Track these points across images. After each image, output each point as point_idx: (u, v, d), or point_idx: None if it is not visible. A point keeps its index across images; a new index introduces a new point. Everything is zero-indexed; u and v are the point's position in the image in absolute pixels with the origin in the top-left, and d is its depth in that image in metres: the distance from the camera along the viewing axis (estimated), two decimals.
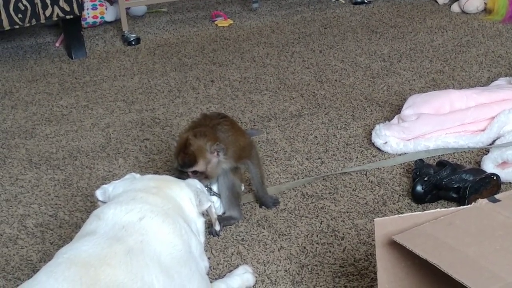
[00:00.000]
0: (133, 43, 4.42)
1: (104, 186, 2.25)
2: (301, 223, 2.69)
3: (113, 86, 3.89)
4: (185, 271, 2.04)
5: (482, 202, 1.88)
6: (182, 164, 2.58)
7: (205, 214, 2.26)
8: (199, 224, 2.21)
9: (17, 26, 4.05)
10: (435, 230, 1.79)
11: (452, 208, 1.90)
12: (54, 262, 1.94)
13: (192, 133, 2.60)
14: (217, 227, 2.41)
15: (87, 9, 4.63)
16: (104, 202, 2.19)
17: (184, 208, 2.17)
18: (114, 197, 2.17)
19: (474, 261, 1.69)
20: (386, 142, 3.09)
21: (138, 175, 2.30)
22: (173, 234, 2.06)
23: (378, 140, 3.11)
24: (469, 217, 1.84)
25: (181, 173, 2.59)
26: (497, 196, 1.91)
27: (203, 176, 2.59)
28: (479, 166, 2.88)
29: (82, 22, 4.48)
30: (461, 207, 1.90)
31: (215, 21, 4.68)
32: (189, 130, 2.64)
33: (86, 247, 1.97)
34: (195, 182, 2.31)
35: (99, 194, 2.24)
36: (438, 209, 1.89)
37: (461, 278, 1.62)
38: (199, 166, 2.58)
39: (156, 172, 3.06)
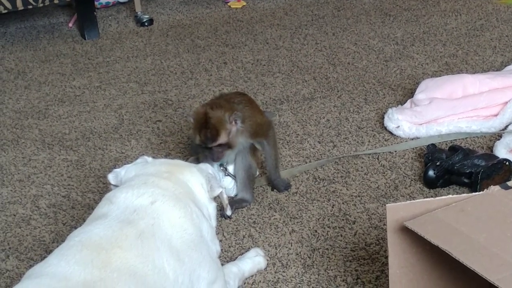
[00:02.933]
0: (146, 24, 4.42)
1: (116, 170, 2.26)
2: (313, 206, 2.70)
3: (126, 67, 3.89)
4: (196, 255, 2.05)
5: (494, 189, 1.88)
6: (205, 140, 2.59)
7: (217, 198, 2.26)
8: (211, 209, 2.22)
9: (30, 6, 4.06)
10: (446, 217, 1.79)
11: (464, 194, 1.90)
12: (65, 245, 1.95)
13: (209, 107, 2.60)
14: (228, 212, 2.42)
15: None
16: (116, 186, 2.20)
17: (195, 193, 2.18)
18: (126, 180, 2.18)
19: (485, 248, 1.70)
20: (398, 126, 3.09)
21: (150, 159, 2.30)
22: (184, 218, 2.07)
23: (390, 124, 3.11)
24: (481, 204, 1.84)
25: (204, 149, 2.61)
26: (509, 183, 1.90)
27: (226, 148, 2.61)
28: (492, 151, 2.88)
29: (95, 3, 4.47)
30: (473, 193, 1.90)
31: (228, 2, 4.67)
32: (205, 105, 2.65)
33: (98, 230, 1.98)
34: (206, 167, 2.31)
35: (111, 178, 2.25)
36: (450, 195, 1.89)
37: (472, 265, 1.63)
38: (222, 138, 2.59)
39: (168, 154, 3.07)
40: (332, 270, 2.40)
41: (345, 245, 2.50)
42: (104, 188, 2.81)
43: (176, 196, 2.10)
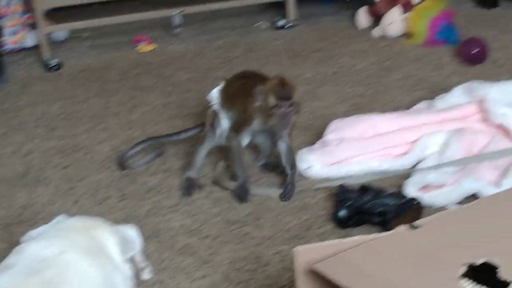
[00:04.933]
0: (54, 68, 4.35)
1: (31, 231, 2.24)
2: (225, 250, 2.67)
3: (34, 112, 3.82)
4: None
5: (403, 228, 1.88)
6: (283, 96, 2.83)
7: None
8: (124, 269, 2.19)
9: None
10: (356, 257, 1.78)
11: (373, 234, 1.89)
12: None
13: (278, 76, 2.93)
14: (145, 276, 2.40)
15: (7, 34, 4.55)
16: None
17: (107, 249, 2.15)
18: (39, 235, 2.16)
19: (397, 286, 1.69)
20: (309, 167, 3.09)
21: (67, 217, 2.29)
22: (94, 267, 2.03)
23: (302, 165, 3.10)
24: (390, 243, 1.83)
25: (277, 109, 2.84)
26: (417, 223, 1.91)
27: (295, 110, 2.89)
28: (401, 190, 2.89)
29: (2, 48, 4.40)
30: (382, 233, 1.90)
31: (138, 45, 4.63)
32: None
33: (2, 280, 1.93)
34: (124, 229, 2.29)
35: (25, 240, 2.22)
36: (360, 236, 1.88)
37: None
38: (295, 97, 2.86)
39: (76, 201, 3.01)
40: None
41: None
42: (11, 236, 2.73)
43: (86, 248, 2.06)
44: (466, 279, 1.70)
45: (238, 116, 3.02)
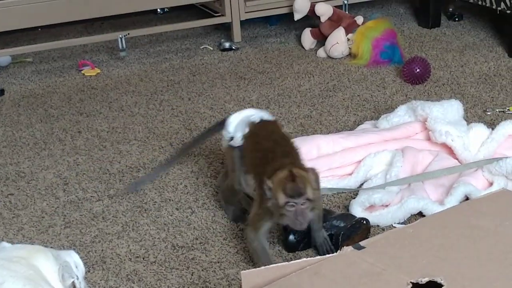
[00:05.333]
0: None
1: None
2: (172, 275, 2.64)
3: None
4: None
5: (348, 249, 1.88)
6: (292, 194, 2.46)
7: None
8: None
9: None
10: (301, 280, 1.78)
11: (318, 257, 1.90)
12: None
13: (288, 167, 2.52)
14: None
15: None
16: None
17: (48, 278, 2.12)
18: None
19: None
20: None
21: (8, 245, 2.25)
22: None
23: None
24: (335, 265, 1.84)
25: (289, 207, 2.47)
26: (362, 243, 1.91)
27: (311, 206, 2.50)
28: (348, 210, 2.90)
29: None
30: (327, 255, 1.90)
31: (82, 70, 4.60)
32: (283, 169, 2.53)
33: None
34: (66, 255, 2.26)
35: None
36: (305, 259, 1.88)
37: None
38: (309, 193, 2.48)
39: (21, 228, 2.96)
40: None
41: None
42: None
43: (26, 277, 2.02)
44: None
45: (254, 203, 2.70)
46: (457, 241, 1.91)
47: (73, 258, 2.23)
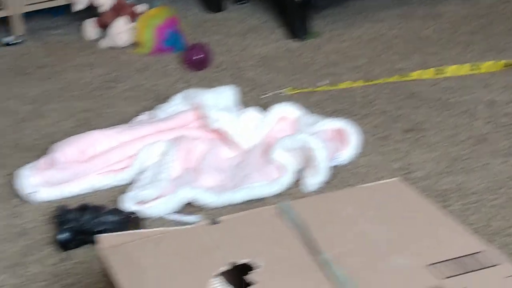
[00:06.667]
0: None
1: None
2: None
3: None
4: None
5: (203, 223, 1.97)
6: None
7: None
8: None
9: None
10: (138, 249, 1.85)
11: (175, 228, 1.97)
12: None
13: None
14: None
15: None
16: None
17: None
18: None
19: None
20: (34, 192, 3.02)
21: None
22: None
23: (24, 190, 3.03)
24: (183, 237, 1.91)
25: None
26: (220, 218, 1.98)
27: None
28: (119, 205, 2.91)
29: None
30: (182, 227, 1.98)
31: None
32: None
33: None
34: None
35: None
36: (163, 228, 1.97)
37: None
38: None
39: None
40: None
41: None
42: None
43: None
44: (220, 277, 1.75)
45: None
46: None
47: None
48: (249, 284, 1.72)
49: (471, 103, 3.59)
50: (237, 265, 1.81)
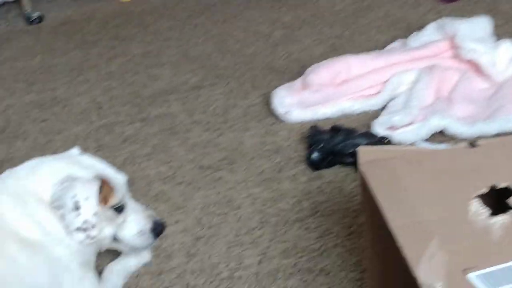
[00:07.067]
0: (35, 21, 4.38)
1: None
2: (198, 195, 2.72)
3: (14, 67, 3.86)
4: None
5: (462, 145, 1.91)
6: None
7: None
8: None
9: None
10: (399, 166, 1.83)
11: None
12: None
13: None
14: None
15: None
16: None
17: (41, 194, 2.12)
18: None
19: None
20: (287, 112, 3.11)
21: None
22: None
23: (279, 109, 3.13)
24: (445, 158, 1.88)
25: None
26: (478, 142, 1.95)
27: None
28: (371, 129, 2.93)
29: None
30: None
31: None
32: None
33: None
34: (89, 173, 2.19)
35: None
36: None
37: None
38: None
39: (55, 152, 3.03)
40: (215, 257, 2.43)
41: (229, 231, 2.53)
42: None
43: (14, 195, 2.08)
44: (478, 200, 1.73)
45: None
46: None
47: (89, 188, 2.12)
48: (508, 208, 1.70)
49: None
50: (496, 189, 1.79)
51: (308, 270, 2.32)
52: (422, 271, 1.55)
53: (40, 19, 4.39)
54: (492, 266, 1.55)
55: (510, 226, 1.66)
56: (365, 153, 1.93)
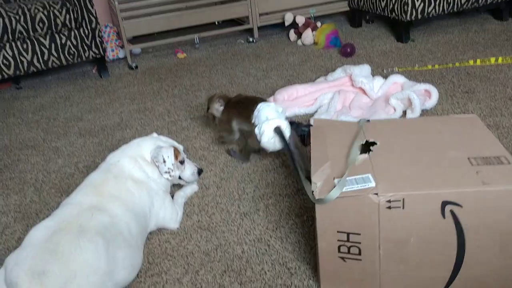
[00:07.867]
0: (134, 68, 4.29)
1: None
2: (222, 157, 2.64)
3: (124, 91, 3.77)
4: (147, 186, 1.98)
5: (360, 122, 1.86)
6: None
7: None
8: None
9: (70, 62, 3.89)
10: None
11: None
12: (79, 186, 1.87)
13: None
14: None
15: (109, 51, 4.47)
16: None
17: (146, 156, 2.03)
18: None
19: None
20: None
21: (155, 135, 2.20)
22: (135, 167, 1.98)
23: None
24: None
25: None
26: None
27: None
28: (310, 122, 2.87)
29: (106, 58, 4.32)
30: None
31: (177, 54, 4.55)
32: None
33: (94, 176, 1.91)
34: (167, 140, 2.14)
35: None
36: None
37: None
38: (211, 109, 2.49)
39: (146, 135, 2.99)
40: (232, 187, 2.37)
41: (239, 174, 2.47)
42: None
43: (130, 155, 2.00)
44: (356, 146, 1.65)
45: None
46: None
47: (169, 151, 2.07)
48: (368, 152, 1.62)
49: (503, 78, 3.29)
50: (369, 142, 1.68)
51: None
52: (316, 177, 1.53)
53: (136, 67, 4.30)
54: (347, 177, 1.52)
55: (365, 160, 1.61)
56: (315, 123, 1.89)
